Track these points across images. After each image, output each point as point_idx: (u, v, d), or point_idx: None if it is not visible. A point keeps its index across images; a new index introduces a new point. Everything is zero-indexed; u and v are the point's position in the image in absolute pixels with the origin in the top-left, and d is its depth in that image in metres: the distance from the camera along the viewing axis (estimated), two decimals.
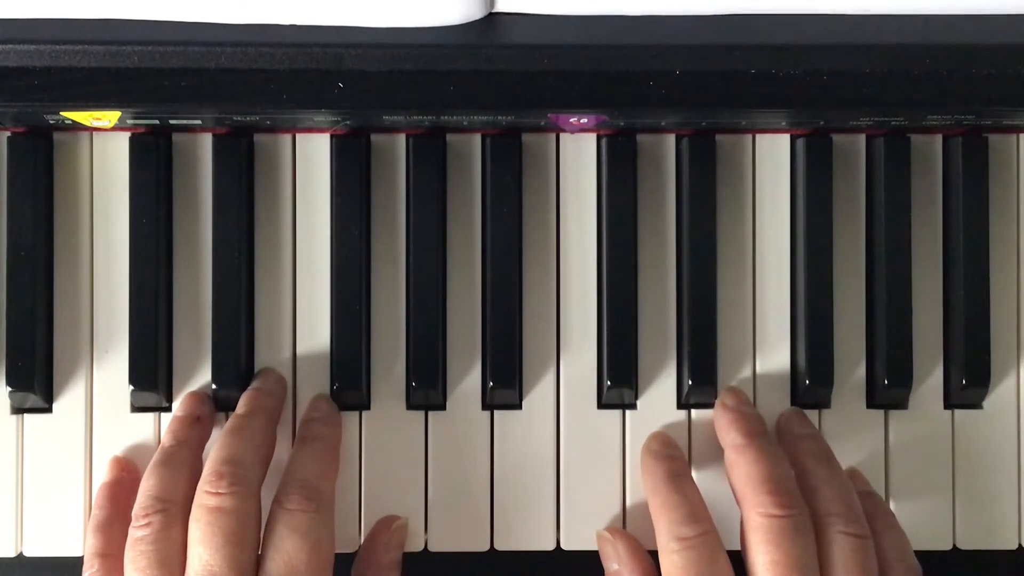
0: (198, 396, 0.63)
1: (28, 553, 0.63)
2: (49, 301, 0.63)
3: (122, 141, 0.63)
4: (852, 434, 0.64)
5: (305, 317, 0.64)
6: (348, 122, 0.61)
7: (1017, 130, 0.65)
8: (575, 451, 0.64)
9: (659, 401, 0.64)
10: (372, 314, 0.64)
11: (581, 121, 0.61)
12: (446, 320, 0.64)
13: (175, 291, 0.63)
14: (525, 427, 0.64)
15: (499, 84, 0.56)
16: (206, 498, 0.56)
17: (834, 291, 0.63)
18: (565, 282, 0.64)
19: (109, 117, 0.59)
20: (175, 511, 0.57)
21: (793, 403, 0.65)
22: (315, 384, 0.64)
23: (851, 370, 0.64)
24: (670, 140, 0.64)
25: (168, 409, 0.63)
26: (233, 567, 0.55)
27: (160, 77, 0.55)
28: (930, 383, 0.65)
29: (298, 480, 0.58)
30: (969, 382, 0.63)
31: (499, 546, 0.64)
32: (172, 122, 0.61)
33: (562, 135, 0.64)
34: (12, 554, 0.63)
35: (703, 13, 0.56)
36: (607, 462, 0.64)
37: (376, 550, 0.62)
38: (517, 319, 0.63)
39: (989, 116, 0.61)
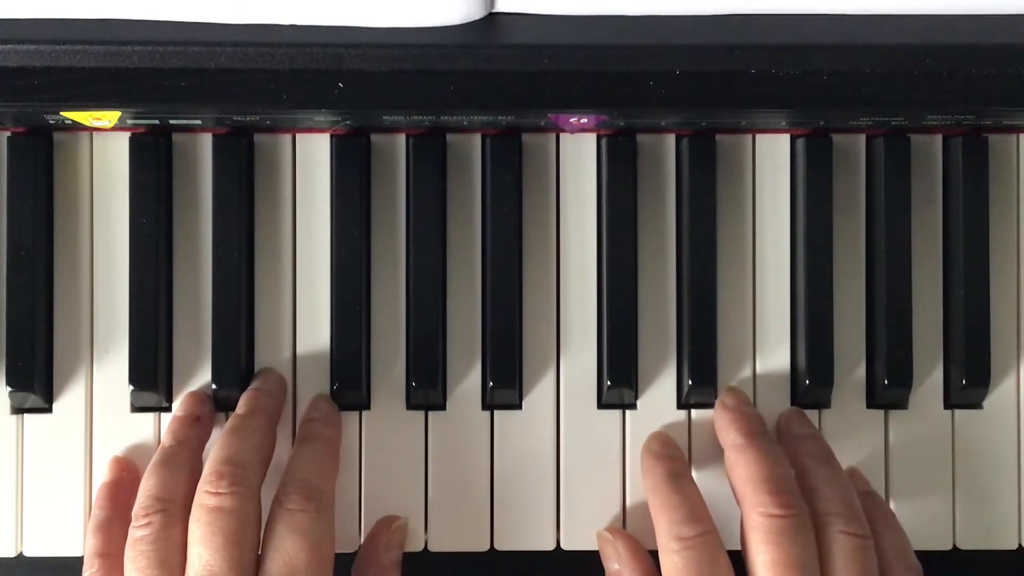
0: (198, 396, 0.63)
1: (28, 553, 0.63)
2: (49, 301, 0.63)
3: (122, 141, 0.63)
4: (852, 434, 0.64)
5: (305, 317, 0.64)
6: (348, 122, 0.61)
7: (1017, 130, 0.65)
8: (575, 451, 0.64)
9: (659, 401, 0.64)
10: (372, 314, 0.64)
11: (581, 121, 0.61)
12: (446, 320, 0.64)
13: (175, 291, 0.63)
14: (525, 427, 0.64)
15: (499, 84, 0.56)
16: (206, 498, 0.56)
17: (834, 291, 0.63)
18: (565, 282, 0.64)
19: (109, 117, 0.59)
20: (175, 511, 0.57)
21: (793, 403, 0.65)
22: (315, 384, 0.64)
23: (851, 370, 0.64)
24: (670, 140, 0.64)
25: (168, 409, 0.63)
26: (233, 567, 0.55)
27: (160, 77, 0.55)
28: (930, 383, 0.65)
29: (298, 480, 0.58)
30: (969, 382, 0.63)
31: (499, 546, 0.64)
32: (172, 122, 0.61)
33: (562, 135, 0.64)
34: (12, 554, 0.63)
35: (703, 13, 0.56)
36: (607, 462, 0.64)
37: (376, 550, 0.62)
38: (517, 319, 0.63)
39: (989, 116, 0.61)
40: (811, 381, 0.63)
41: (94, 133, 0.63)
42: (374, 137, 0.64)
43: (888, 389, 0.63)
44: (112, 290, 0.63)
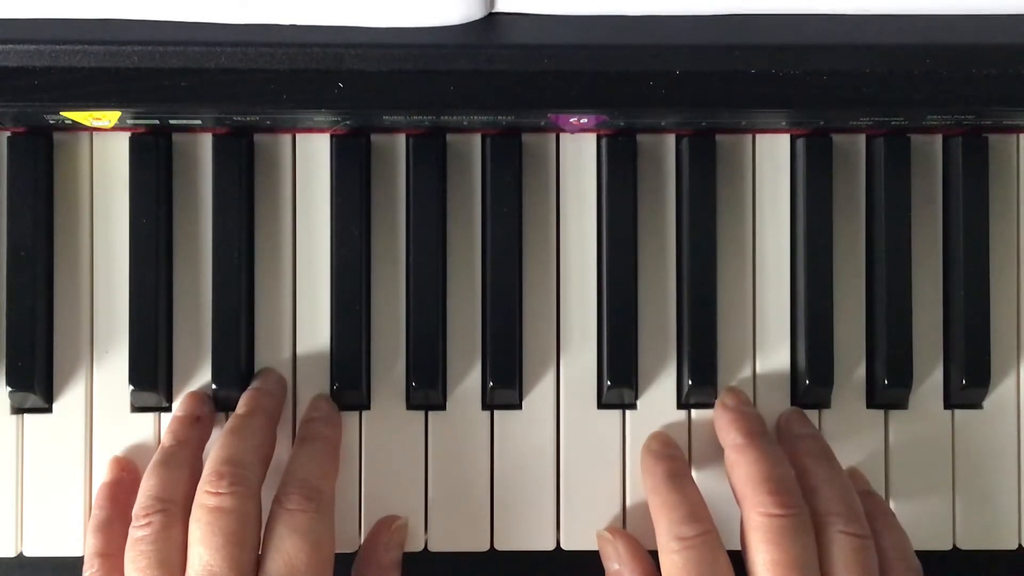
0: (198, 396, 0.63)
1: (28, 553, 0.63)
2: (49, 301, 0.63)
3: (122, 141, 0.63)
4: (852, 434, 0.64)
5: (305, 317, 0.64)
6: (348, 122, 0.61)
7: (1017, 130, 0.65)
8: (575, 451, 0.64)
9: (659, 401, 0.64)
10: (372, 314, 0.64)
11: (581, 121, 0.61)
12: (446, 320, 0.64)
13: (175, 291, 0.63)
14: (525, 427, 0.64)
15: (499, 84, 0.56)
16: (206, 498, 0.56)
17: (834, 291, 0.63)
18: (565, 282, 0.64)
19: (109, 117, 0.59)
20: (175, 511, 0.57)
21: (793, 403, 0.65)
22: (315, 384, 0.64)
23: (851, 370, 0.64)
24: (670, 140, 0.64)
25: (168, 409, 0.63)
26: (233, 567, 0.55)
27: (160, 77, 0.55)
28: (930, 383, 0.65)
29: (298, 480, 0.58)
30: (969, 382, 0.63)
31: (499, 546, 0.64)
32: (172, 122, 0.61)
33: (562, 135, 0.64)
34: (12, 554, 0.63)
35: (703, 13, 0.56)
36: (607, 462, 0.64)
37: (376, 550, 0.62)
38: (517, 319, 0.63)
39: (989, 116, 0.61)
40: (811, 381, 0.63)
41: (94, 133, 0.63)
42: (374, 137, 0.64)
43: (888, 389, 0.63)
44: (112, 290, 0.63)
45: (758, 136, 0.65)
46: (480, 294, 0.64)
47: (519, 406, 0.64)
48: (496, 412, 0.64)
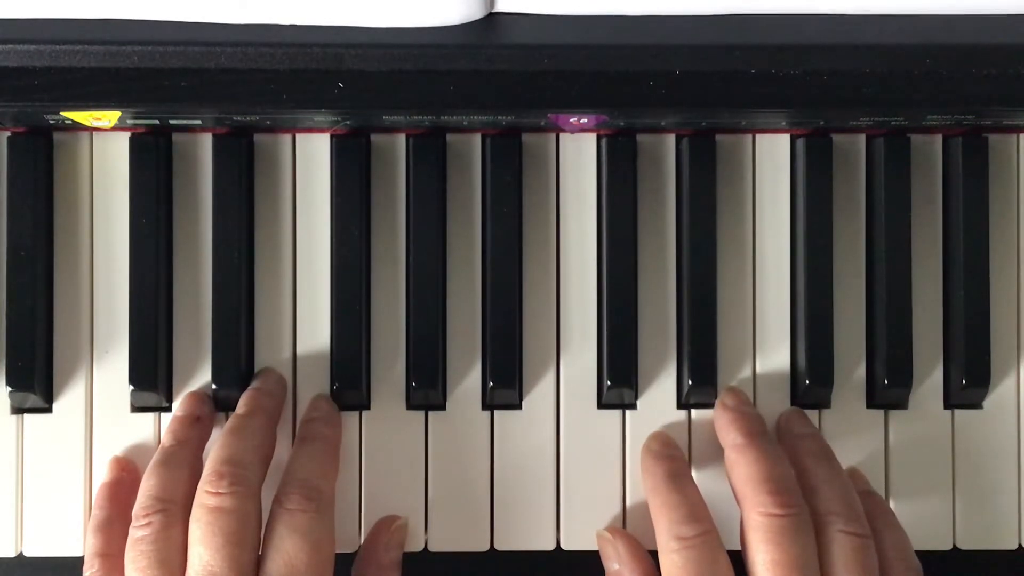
0: (198, 396, 0.63)
1: (28, 553, 0.63)
2: (49, 301, 0.63)
3: (122, 141, 0.63)
4: (852, 434, 0.64)
5: (305, 317, 0.64)
6: (348, 122, 0.61)
7: (1017, 130, 0.65)
8: (575, 451, 0.64)
9: (659, 401, 0.64)
10: (372, 314, 0.64)
11: (581, 121, 0.61)
12: (446, 320, 0.64)
13: (175, 291, 0.63)
14: (525, 427, 0.64)
15: (499, 84, 0.56)
16: (206, 498, 0.56)
17: (834, 291, 0.63)
18: (565, 282, 0.64)
19: (109, 117, 0.59)
20: (175, 511, 0.57)
21: (793, 403, 0.65)
22: (315, 384, 0.64)
23: (851, 370, 0.64)
24: (670, 140, 0.64)
25: (168, 409, 0.63)
26: (233, 567, 0.55)
27: (160, 77, 0.55)
28: (930, 383, 0.65)
29: (298, 480, 0.58)
30: (969, 382, 0.63)
31: (499, 546, 0.64)
32: (172, 122, 0.61)
33: (562, 135, 0.64)
34: (12, 554, 0.63)
35: (703, 13, 0.56)
36: (607, 462, 0.64)
37: (376, 550, 0.62)
38: (517, 319, 0.63)
39: (989, 116, 0.61)
40: (811, 381, 0.63)
41: (94, 133, 0.63)
42: (374, 137, 0.64)
43: (888, 389, 0.63)
44: (112, 290, 0.63)
45: (758, 136, 0.65)
46: (480, 294, 0.64)
47: (519, 406, 0.64)
48: (496, 412, 0.64)
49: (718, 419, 0.63)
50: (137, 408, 0.63)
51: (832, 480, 0.59)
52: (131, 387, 0.62)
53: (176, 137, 0.64)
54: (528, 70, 0.55)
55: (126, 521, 0.58)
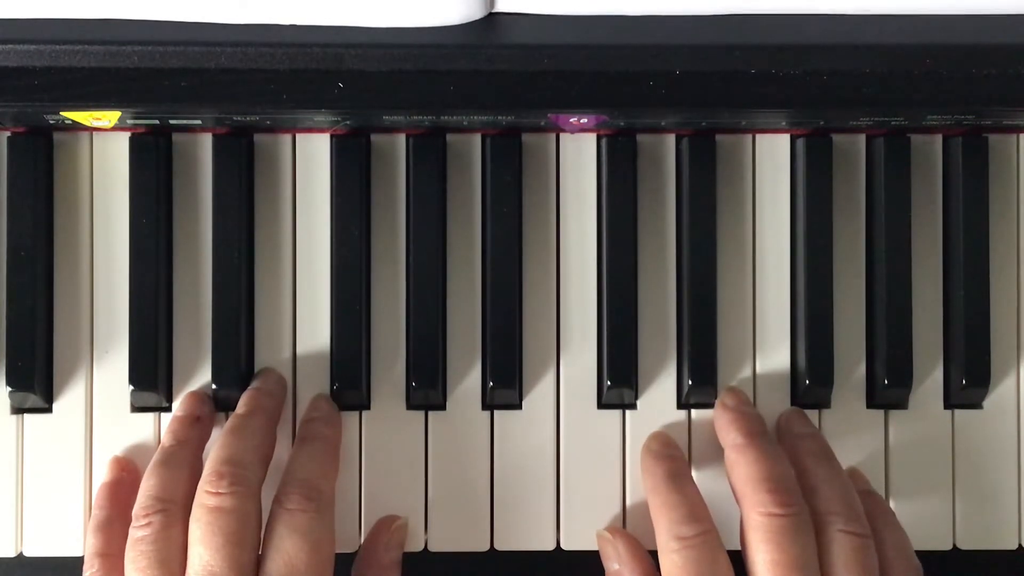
0: (198, 396, 0.63)
1: (28, 553, 0.63)
2: (49, 301, 0.63)
3: (122, 141, 0.63)
4: (852, 434, 0.64)
5: (305, 317, 0.64)
6: (348, 122, 0.61)
7: (1017, 130, 0.65)
8: (575, 451, 0.64)
9: (659, 401, 0.64)
10: (372, 314, 0.64)
11: (581, 121, 0.61)
12: (446, 320, 0.64)
13: (175, 291, 0.63)
14: (525, 427, 0.64)
15: (499, 84, 0.56)
16: (206, 498, 0.56)
17: (834, 291, 0.63)
18: (565, 282, 0.64)
19: (109, 117, 0.59)
20: (175, 511, 0.57)
21: (793, 403, 0.65)
22: (315, 384, 0.64)
23: (851, 370, 0.64)
24: (670, 140, 0.64)
25: (168, 409, 0.63)
26: (233, 567, 0.55)
27: (160, 77, 0.55)
28: (930, 383, 0.65)
29: (298, 480, 0.58)
30: (969, 382, 0.63)
31: (499, 546, 0.64)
32: (172, 122, 0.61)
33: (562, 135, 0.64)
34: (12, 554, 0.63)
35: (703, 13, 0.56)
36: (607, 462, 0.64)
37: (376, 550, 0.62)
38: (517, 319, 0.63)
39: (989, 116, 0.61)
40: (811, 381, 0.63)
41: (94, 133, 0.63)
42: (374, 137, 0.64)
43: (888, 389, 0.63)
44: (112, 290, 0.63)
45: (758, 136, 0.65)
46: (480, 294, 0.64)
47: (519, 406, 0.64)
48: (496, 412, 0.64)
49: (718, 419, 0.63)
50: (137, 408, 0.63)
51: (832, 480, 0.59)
52: (131, 387, 0.62)
53: (176, 137, 0.64)
54: (528, 70, 0.55)
55: (126, 521, 0.58)
